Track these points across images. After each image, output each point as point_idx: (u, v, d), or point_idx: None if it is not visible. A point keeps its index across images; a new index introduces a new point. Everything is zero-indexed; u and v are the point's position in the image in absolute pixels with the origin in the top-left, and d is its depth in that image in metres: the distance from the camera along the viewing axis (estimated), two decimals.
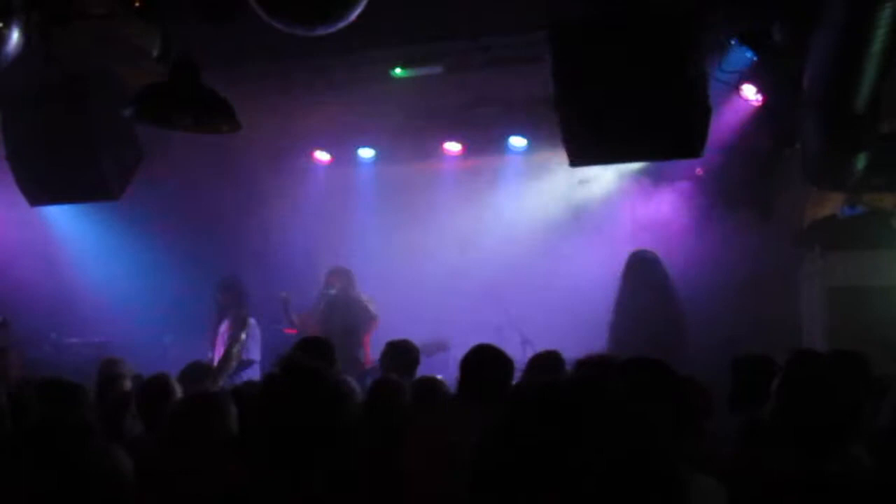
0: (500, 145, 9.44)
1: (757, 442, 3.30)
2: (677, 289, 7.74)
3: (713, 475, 2.66)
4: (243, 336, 7.82)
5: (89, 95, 7.07)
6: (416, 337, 6.51)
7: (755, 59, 6.53)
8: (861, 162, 6.22)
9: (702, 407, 3.90)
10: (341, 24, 4.66)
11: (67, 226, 9.45)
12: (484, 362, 4.43)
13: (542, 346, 6.68)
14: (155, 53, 5.65)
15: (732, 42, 6.50)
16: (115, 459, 2.47)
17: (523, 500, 1.40)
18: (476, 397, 4.20)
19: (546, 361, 5.38)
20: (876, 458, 2.87)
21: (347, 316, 8.37)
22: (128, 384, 5.22)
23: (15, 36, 5.07)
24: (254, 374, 7.65)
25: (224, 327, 8.01)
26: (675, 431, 2.79)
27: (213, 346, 8.04)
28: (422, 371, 6.21)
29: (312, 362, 2.79)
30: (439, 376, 5.96)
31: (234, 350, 7.70)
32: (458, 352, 4.78)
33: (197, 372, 5.86)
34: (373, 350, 8.22)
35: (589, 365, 4.00)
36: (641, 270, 7.78)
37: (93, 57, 6.23)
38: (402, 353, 6.07)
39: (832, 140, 6.04)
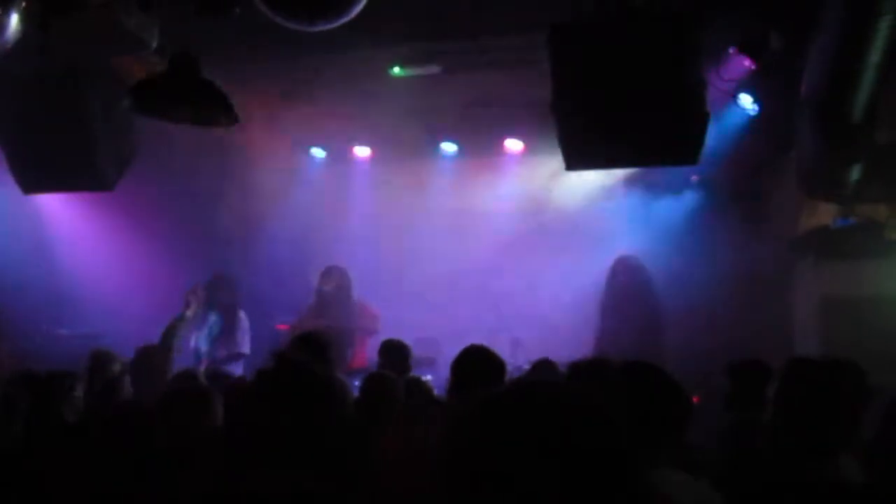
0: (496, 147, 9.45)
1: (752, 446, 3.30)
2: (659, 294, 7.85)
3: (705, 479, 2.66)
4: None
5: (86, 85, 7.06)
6: (408, 340, 6.50)
7: (753, 67, 6.54)
8: (855, 173, 6.25)
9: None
10: (342, 21, 4.66)
11: (60, 217, 9.43)
12: (475, 363, 4.44)
13: (533, 348, 6.70)
14: (153, 45, 5.63)
15: (731, 50, 6.51)
16: None
17: (488, 497, 1.41)
18: (467, 397, 4.21)
19: (543, 369, 5.41)
20: (865, 468, 2.88)
21: (340, 315, 8.35)
22: (117, 369, 5.22)
23: (12, 24, 5.06)
24: (237, 368, 7.68)
25: (212, 321, 8.02)
26: (666, 435, 2.80)
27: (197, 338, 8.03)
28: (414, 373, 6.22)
29: (303, 358, 2.79)
30: (427, 376, 5.97)
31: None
32: (451, 351, 4.78)
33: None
34: (367, 352, 8.21)
35: (582, 368, 4.01)
36: (625, 275, 7.87)
37: (90, 47, 6.20)
38: (395, 351, 6.08)
39: (828, 150, 6.06)
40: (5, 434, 3.86)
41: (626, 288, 7.84)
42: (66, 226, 9.46)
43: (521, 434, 1.44)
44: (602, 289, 7.99)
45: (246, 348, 8.05)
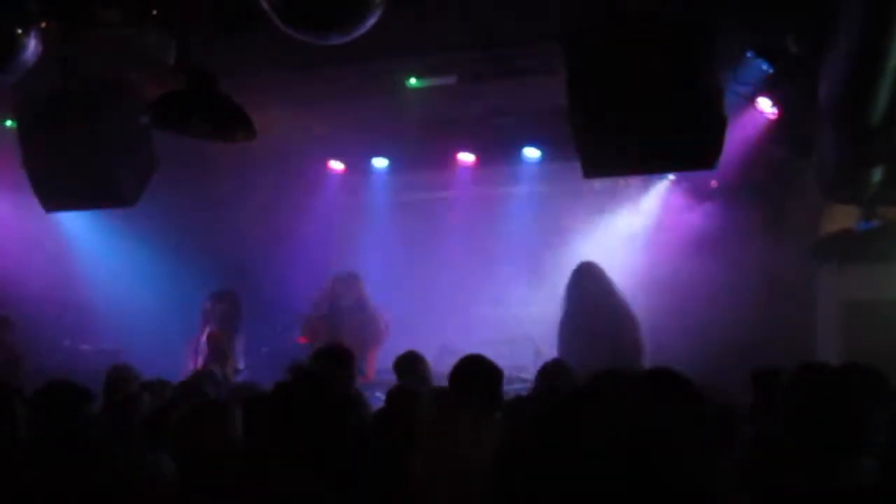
0: (514, 156, 9.45)
1: (770, 456, 3.27)
2: (630, 306, 7.32)
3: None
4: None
5: (105, 102, 7.12)
6: (427, 350, 6.46)
7: (771, 71, 6.51)
8: (877, 175, 6.19)
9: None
10: (356, 34, 4.68)
11: (81, 233, 9.51)
12: (473, 373, 4.48)
13: (554, 355, 6.66)
14: (171, 62, 5.68)
15: (748, 54, 6.48)
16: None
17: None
18: (467, 406, 4.23)
19: (554, 369, 5.41)
20: (882, 473, 2.85)
21: (354, 329, 8.36)
22: (135, 387, 5.23)
23: (32, 43, 5.11)
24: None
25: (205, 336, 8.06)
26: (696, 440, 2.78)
27: (194, 354, 8.04)
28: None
29: (321, 371, 2.80)
30: None
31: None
32: None
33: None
34: (378, 363, 8.22)
35: (606, 378, 4.00)
36: (592, 284, 7.40)
37: (109, 65, 6.26)
38: (413, 364, 6.06)
39: (848, 153, 6.02)
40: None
41: (595, 298, 7.25)
42: (88, 241, 9.54)
43: (579, 445, 1.45)
44: (562, 303, 7.36)
45: (241, 363, 8.09)
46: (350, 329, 8.26)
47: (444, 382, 6.49)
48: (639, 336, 7.13)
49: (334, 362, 5.09)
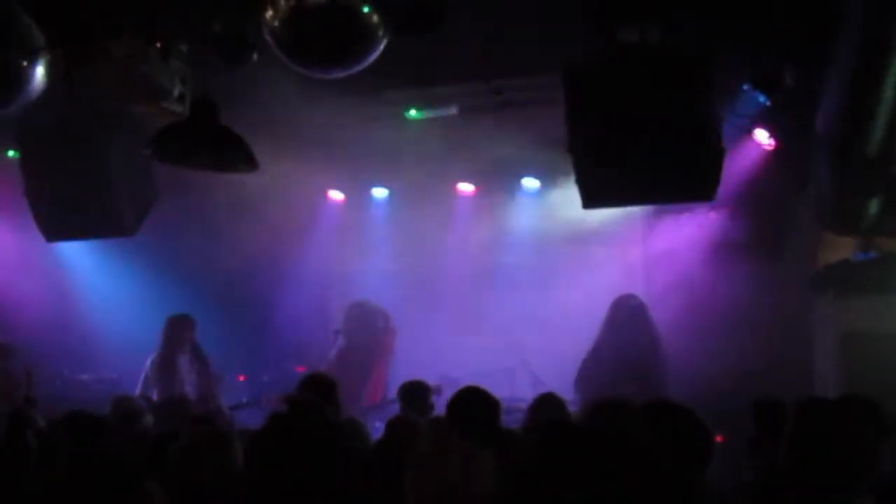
0: (513, 186, 9.49)
1: (772, 489, 3.27)
2: (665, 346, 7.52)
3: None
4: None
5: (107, 133, 7.17)
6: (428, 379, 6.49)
7: (768, 103, 6.57)
8: (874, 206, 6.23)
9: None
10: (357, 68, 4.73)
11: (80, 262, 9.52)
12: (471, 403, 4.49)
13: (553, 386, 6.65)
14: (175, 93, 5.74)
15: (745, 86, 6.54)
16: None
17: None
18: (464, 438, 4.23)
19: (549, 402, 5.40)
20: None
21: (365, 355, 8.38)
22: (149, 420, 5.22)
23: (38, 74, 5.16)
24: None
25: (185, 362, 7.96)
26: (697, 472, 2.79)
27: (158, 381, 7.91)
28: None
29: (316, 402, 2.81)
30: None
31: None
32: None
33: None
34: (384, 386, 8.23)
35: (605, 408, 4.02)
36: (629, 318, 7.55)
37: (113, 95, 6.32)
38: (416, 393, 6.07)
39: (844, 184, 6.06)
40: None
41: (630, 333, 7.42)
42: (87, 268, 9.55)
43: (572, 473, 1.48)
44: (599, 331, 7.56)
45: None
46: (363, 356, 8.27)
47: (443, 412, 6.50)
48: (665, 377, 7.24)
49: (317, 390, 5.10)
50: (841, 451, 2.85)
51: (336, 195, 10.06)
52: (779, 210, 8.23)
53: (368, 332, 8.63)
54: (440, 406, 6.45)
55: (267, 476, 2.64)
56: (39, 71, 5.15)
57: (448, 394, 7.38)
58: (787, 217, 8.19)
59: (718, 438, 4.40)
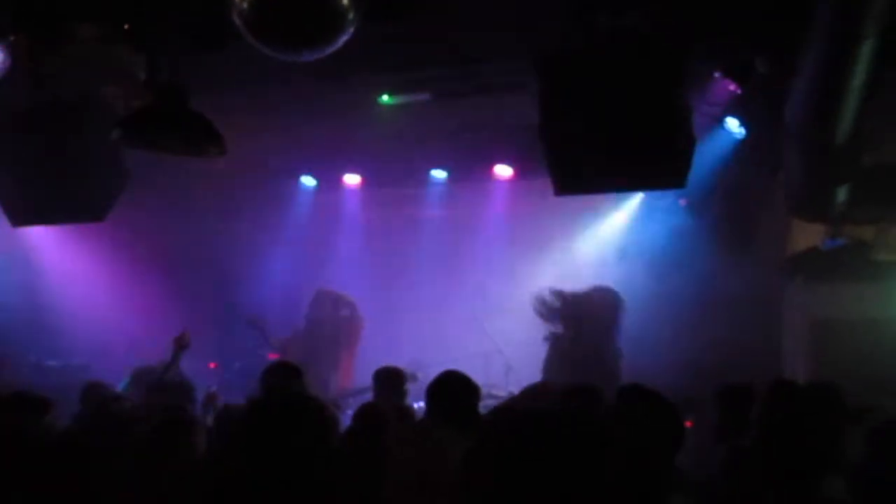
0: (486, 172, 9.48)
1: (740, 473, 3.30)
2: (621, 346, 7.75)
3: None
4: None
5: (75, 117, 7.06)
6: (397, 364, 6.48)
7: (739, 91, 6.60)
8: (842, 194, 6.29)
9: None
10: (327, 51, 4.68)
11: (47, 247, 9.39)
12: (452, 389, 4.45)
13: (525, 373, 6.67)
14: (142, 77, 5.65)
15: (717, 75, 6.57)
16: None
17: None
18: (444, 423, 4.22)
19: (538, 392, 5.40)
20: (852, 492, 2.88)
21: (329, 340, 8.34)
22: (128, 403, 5.16)
23: (1, 57, 5.07)
24: None
25: None
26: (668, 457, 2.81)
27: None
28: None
29: (297, 390, 2.80)
30: (418, 405, 5.94)
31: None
32: None
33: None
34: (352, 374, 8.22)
35: (575, 394, 4.04)
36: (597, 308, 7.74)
37: (80, 79, 6.22)
38: (390, 379, 6.05)
39: (813, 172, 6.11)
40: None
41: (593, 336, 7.65)
42: (55, 255, 9.43)
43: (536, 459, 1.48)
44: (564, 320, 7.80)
45: None
46: (326, 342, 8.23)
47: (417, 397, 6.50)
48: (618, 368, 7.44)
49: (284, 377, 5.07)
50: (809, 435, 2.88)
51: (308, 181, 10.01)
52: (749, 198, 8.29)
53: (333, 320, 8.60)
54: (415, 393, 6.48)
55: (243, 461, 2.62)
56: (2, 53, 5.07)
57: (421, 381, 7.40)
58: (756, 204, 8.25)
59: (688, 424, 4.44)
